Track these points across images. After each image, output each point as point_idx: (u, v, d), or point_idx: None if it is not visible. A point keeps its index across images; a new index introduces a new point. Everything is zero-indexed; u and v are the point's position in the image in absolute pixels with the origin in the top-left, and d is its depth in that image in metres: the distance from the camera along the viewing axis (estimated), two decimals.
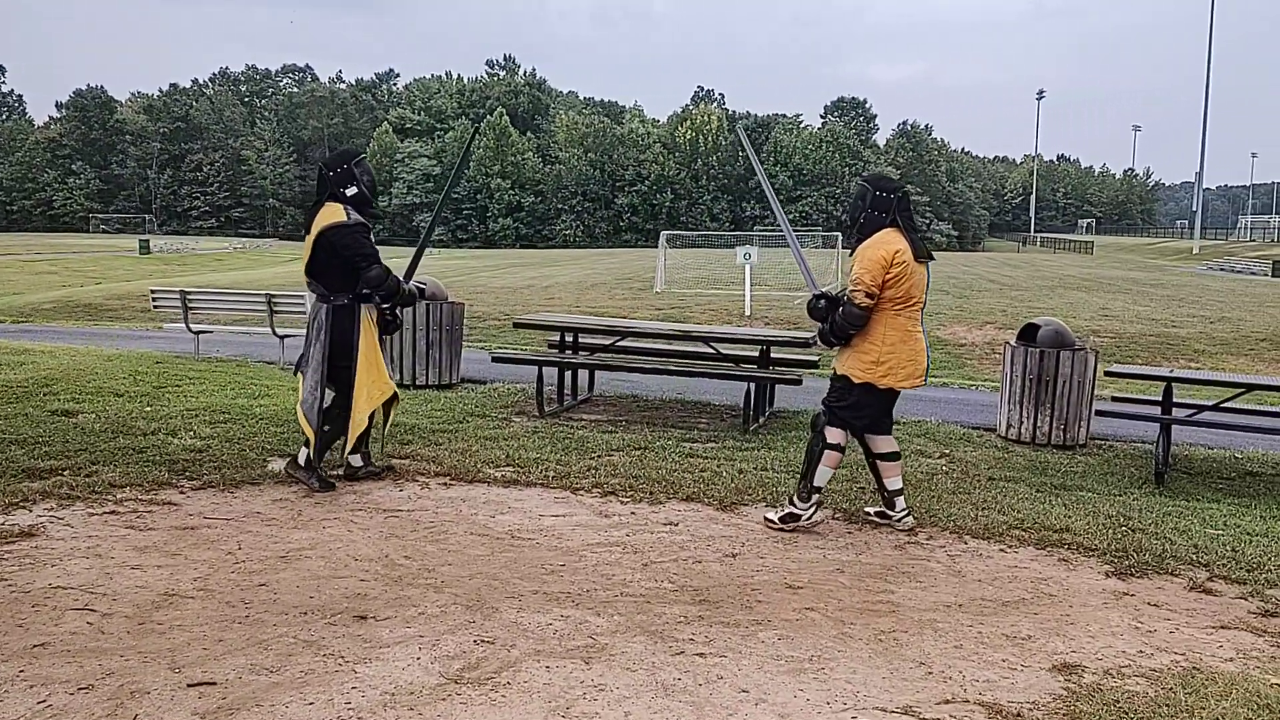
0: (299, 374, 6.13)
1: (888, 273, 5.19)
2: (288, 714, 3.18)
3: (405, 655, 3.65)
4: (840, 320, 5.36)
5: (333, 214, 5.83)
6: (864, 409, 5.44)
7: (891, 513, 5.57)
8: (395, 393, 6.19)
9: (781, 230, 6.33)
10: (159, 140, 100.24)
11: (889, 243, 5.23)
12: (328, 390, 5.97)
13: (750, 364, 9.05)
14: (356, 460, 6.19)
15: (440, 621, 3.99)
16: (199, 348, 12.09)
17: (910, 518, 5.57)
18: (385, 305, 6.10)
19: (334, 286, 5.89)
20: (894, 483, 5.56)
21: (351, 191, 5.88)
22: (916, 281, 5.30)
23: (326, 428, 6.00)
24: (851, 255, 5.40)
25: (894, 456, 5.59)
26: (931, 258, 5.44)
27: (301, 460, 5.98)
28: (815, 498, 5.44)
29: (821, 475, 5.43)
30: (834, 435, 5.45)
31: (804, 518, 5.43)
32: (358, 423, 5.97)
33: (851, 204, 5.49)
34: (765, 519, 5.52)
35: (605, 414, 8.95)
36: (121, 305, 21.53)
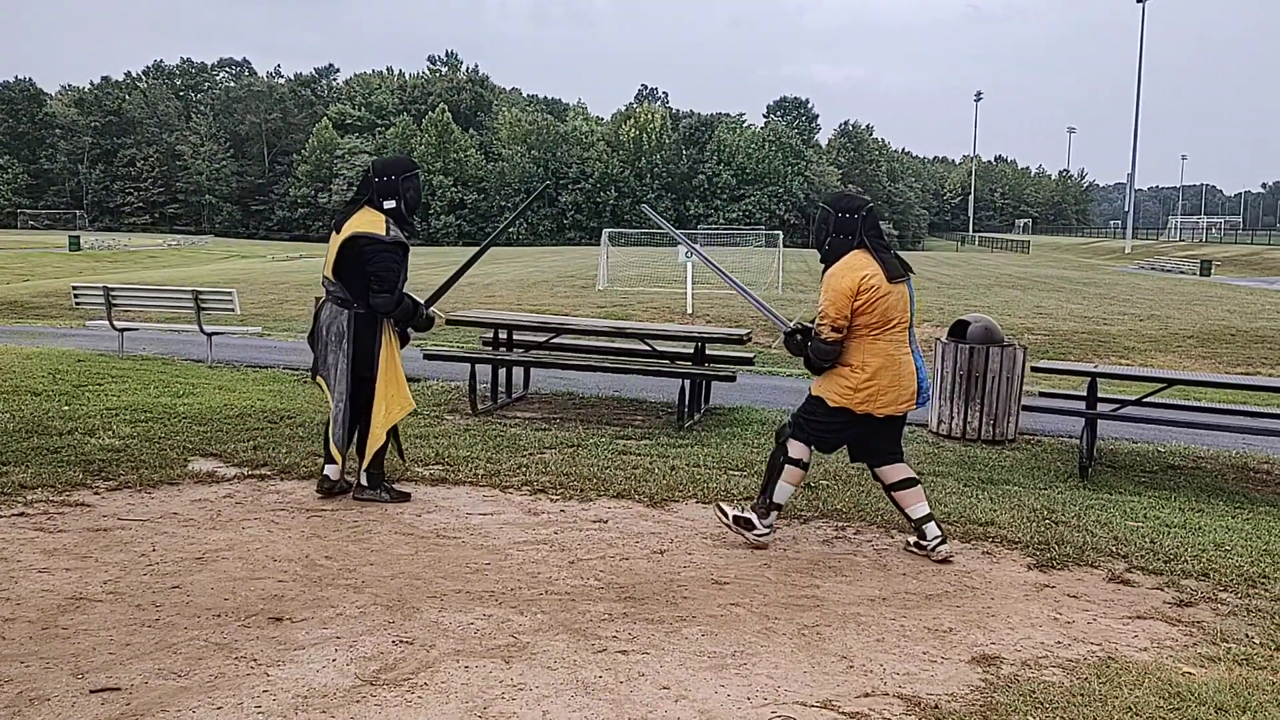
0: (318, 379, 5.78)
1: (856, 300, 4.83)
2: (194, 719, 3.08)
3: (320, 657, 3.57)
4: (812, 356, 5.04)
5: (371, 223, 5.51)
6: (835, 432, 5.09)
7: (925, 542, 5.05)
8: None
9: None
10: (90, 134, 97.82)
11: (855, 268, 4.87)
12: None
13: (685, 361, 9.04)
14: (362, 479, 5.73)
15: (359, 622, 3.91)
16: (123, 345, 11.79)
17: (945, 545, 5.02)
18: (399, 325, 5.76)
19: (358, 293, 5.56)
20: (917, 510, 5.07)
21: (389, 205, 5.57)
22: (893, 303, 4.91)
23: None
24: (821, 280, 5.05)
25: (908, 484, 5.11)
26: (910, 272, 5.07)
27: (364, 480, 5.70)
28: (774, 515, 5.10)
29: (781, 492, 5.08)
30: (796, 449, 5.07)
31: (756, 532, 5.06)
32: (376, 438, 5.62)
33: (815, 228, 5.17)
34: (718, 506, 5.21)
35: (539, 412, 8.89)
36: (49, 303, 20.93)
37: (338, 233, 5.59)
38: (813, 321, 5.11)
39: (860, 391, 4.93)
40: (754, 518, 5.08)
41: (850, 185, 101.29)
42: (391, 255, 5.52)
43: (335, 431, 5.70)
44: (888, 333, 4.93)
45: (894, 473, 5.12)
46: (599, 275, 26.06)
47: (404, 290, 5.67)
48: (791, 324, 5.26)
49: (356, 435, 5.74)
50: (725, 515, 5.15)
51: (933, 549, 5.01)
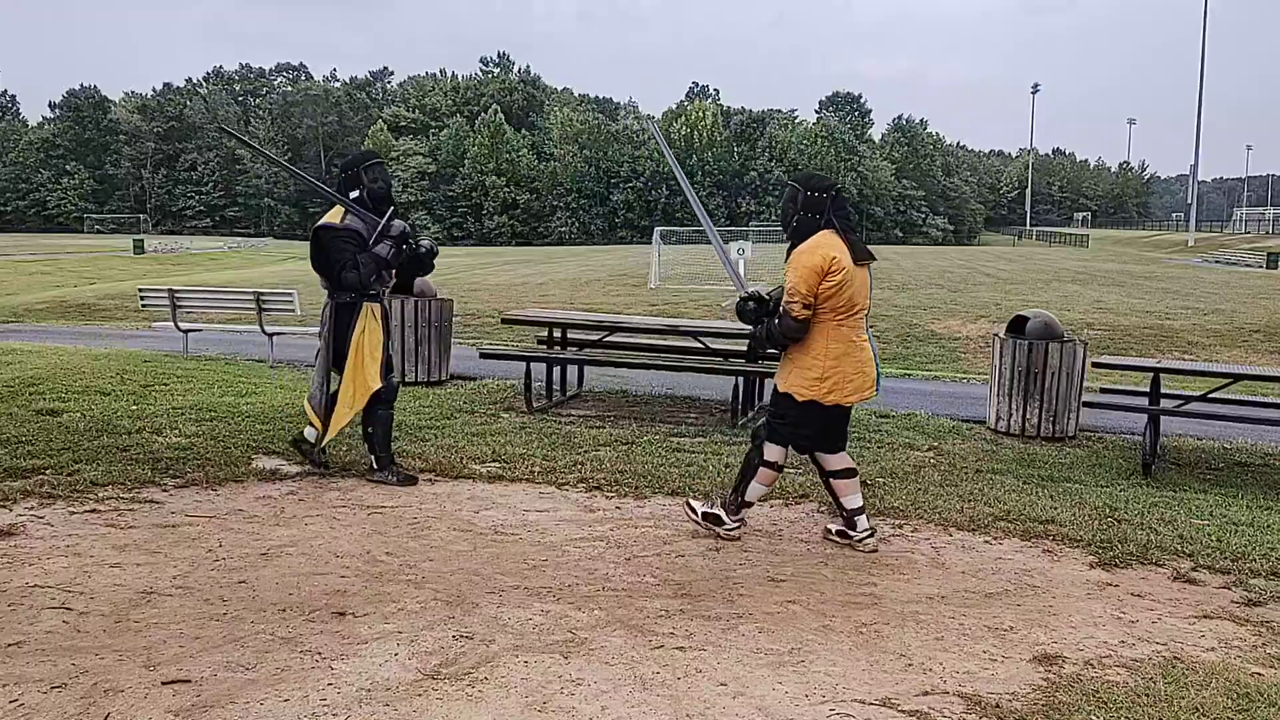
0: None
1: (824, 280, 4.76)
2: (262, 711, 3.16)
3: (383, 651, 3.63)
4: (776, 333, 4.95)
5: (331, 215, 5.92)
6: (806, 428, 4.99)
7: (852, 533, 5.06)
8: (380, 391, 6.00)
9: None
10: (153, 140, 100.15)
11: (824, 247, 4.81)
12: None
13: (739, 358, 9.02)
14: (373, 462, 6.15)
15: (420, 617, 3.97)
16: (188, 346, 12.05)
17: (873, 539, 5.03)
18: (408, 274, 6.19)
19: (335, 284, 5.92)
20: (852, 501, 5.06)
21: (353, 195, 5.90)
22: (858, 288, 4.88)
23: (386, 411, 6.16)
24: (786, 260, 4.97)
25: (848, 474, 5.09)
26: (873, 259, 5.03)
27: (310, 436, 6.24)
28: (744, 512, 5.15)
29: (754, 492, 5.11)
30: (772, 453, 5.04)
31: (725, 528, 5.09)
32: (340, 415, 6.00)
33: (783, 207, 5.09)
34: (688, 504, 5.24)
35: (593, 409, 8.93)
36: (115, 305, 21.45)
37: None
38: (770, 294, 5.14)
39: (826, 380, 4.88)
40: (723, 514, 5.11)
41: (904, 180, 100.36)
42: (339, 239, 5.83)
43: (317, 409, 6.05)
44: (850, 318, 4.89)
45: (836, 461, 5.10)
46: (651, 274, 26.09)
47: (387, 255, 5.93)
48: (750, 290, 5.23)
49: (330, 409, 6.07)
50: (694, 512, 5.18)
51: (859, 540, 5.03)
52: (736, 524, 5.13)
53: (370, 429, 6.09)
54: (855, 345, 4.91)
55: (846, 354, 4.88)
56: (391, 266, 6.00)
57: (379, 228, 5.86)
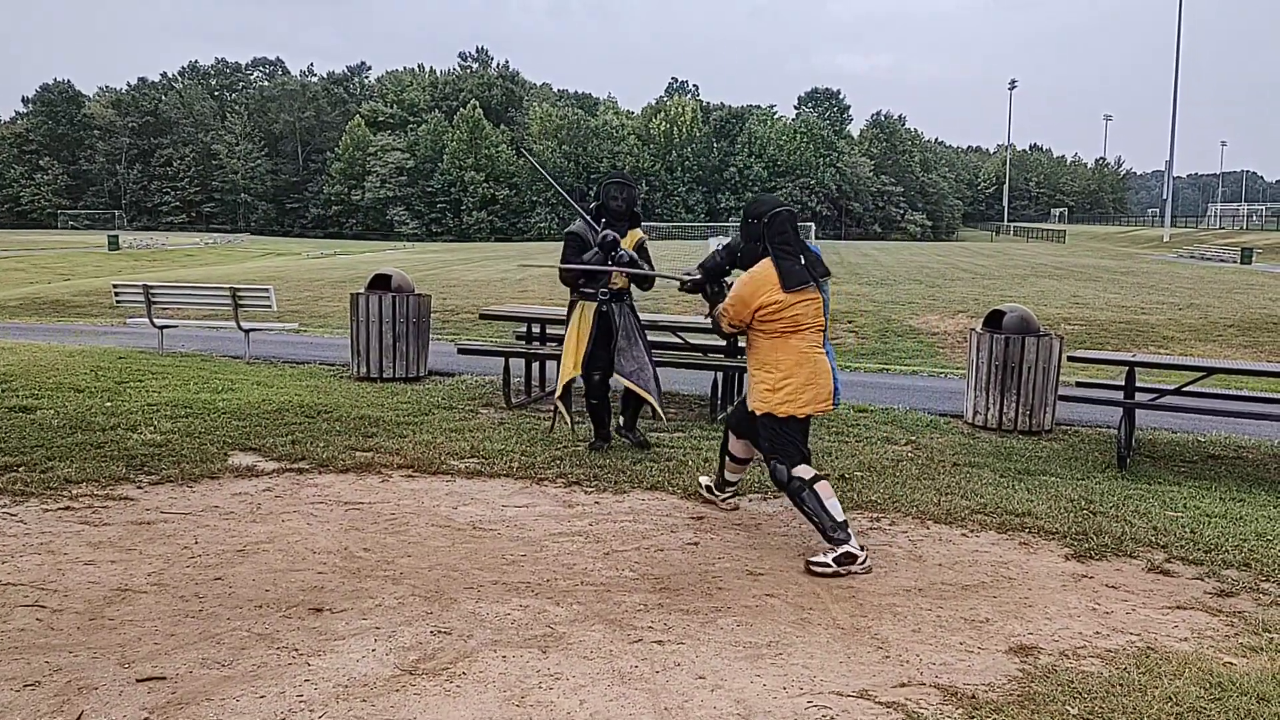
0: None
1: (757, 311, 4.80)
2: (238, 707, 3.14)
3: (360, 647, 3.62)
4: (712, 316, 5.16)
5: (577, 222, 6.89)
6: (792, 439, 4.88)
7: (719, 493, 5.66)
8: (646, 400, 6.90)
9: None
10: (128, 135, 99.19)
11: (754, 280, 4.81)
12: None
13: (718, 353, 9.03)
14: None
15: (397, 613, 3.96)
16: (163, 343, 11.95)
17: (735, 499, 5.69)
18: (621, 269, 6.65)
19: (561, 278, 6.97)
20: (734, 476, 5.54)
21: (592, 205, 6.92)
22: (800, 311, 4.79)
23: (594, 401, 7.12)
24: None
25: (746, 462, 5.43)
26: (815, 280, 4.87)
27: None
28: (848, 531, 4.66)
29: (832, 510, 4.69)
30: (799, 470, 4.82)
31: (860, 561, 4.60)
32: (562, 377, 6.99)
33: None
34: (809, 566, 4.63)
35: (573, 405, 8.89)
36: (89, 302, 21.26)
37: None
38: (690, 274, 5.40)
39: (778, 391, 4.82)
40: (844, 548, 4.59)
41: (883, 176, 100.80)
42: (566, 240, 6.88)
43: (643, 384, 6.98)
44: (799, 334, 4.83)
45: (742, 448, 5.36)
46: None
47: (593, 259, 6.63)
48: (688, 274, 5.44)
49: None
50: (830, 566, 4.57)
51: (724, 499, 5.67)
52: (859, 549, 4.65)
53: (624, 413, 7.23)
54: (807, 356, 4.84)
55: (798, 364, 4.83)
56: (598, 274, 6.65)
57: (596, 236, 6.66)
